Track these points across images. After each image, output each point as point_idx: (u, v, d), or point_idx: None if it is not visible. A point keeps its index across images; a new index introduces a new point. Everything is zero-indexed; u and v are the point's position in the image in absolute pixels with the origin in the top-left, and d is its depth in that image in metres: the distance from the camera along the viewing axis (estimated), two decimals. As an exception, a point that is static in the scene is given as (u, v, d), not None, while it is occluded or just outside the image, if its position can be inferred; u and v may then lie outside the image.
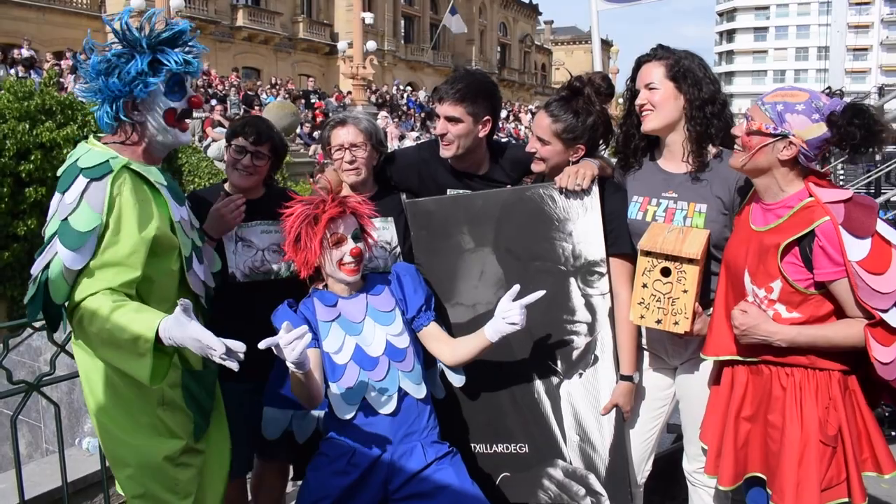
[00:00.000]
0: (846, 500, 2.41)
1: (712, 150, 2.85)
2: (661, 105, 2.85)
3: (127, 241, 2.42)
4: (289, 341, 2.29)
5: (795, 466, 2.41)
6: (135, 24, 2.52)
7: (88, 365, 2.57)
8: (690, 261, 2.61)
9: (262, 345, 2.28)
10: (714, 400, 2.74)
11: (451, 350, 2.86)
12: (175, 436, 2.58)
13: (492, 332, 2.72)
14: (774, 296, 2.45)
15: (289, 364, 2.36)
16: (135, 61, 2.50)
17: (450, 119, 3.08)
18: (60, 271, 2.37)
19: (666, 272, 2.66)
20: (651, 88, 2.85)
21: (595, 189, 2.87)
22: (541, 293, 2.66)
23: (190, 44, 2.61)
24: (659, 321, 2.70)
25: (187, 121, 2.67)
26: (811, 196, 2.40)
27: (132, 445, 2.55)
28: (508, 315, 2.65)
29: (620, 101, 3.30)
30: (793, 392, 2.46)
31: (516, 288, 2.68)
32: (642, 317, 2.73)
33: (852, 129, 2.31)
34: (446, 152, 3.13)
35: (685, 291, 2.64)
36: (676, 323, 2.67)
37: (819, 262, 2.35)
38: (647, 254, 2.68)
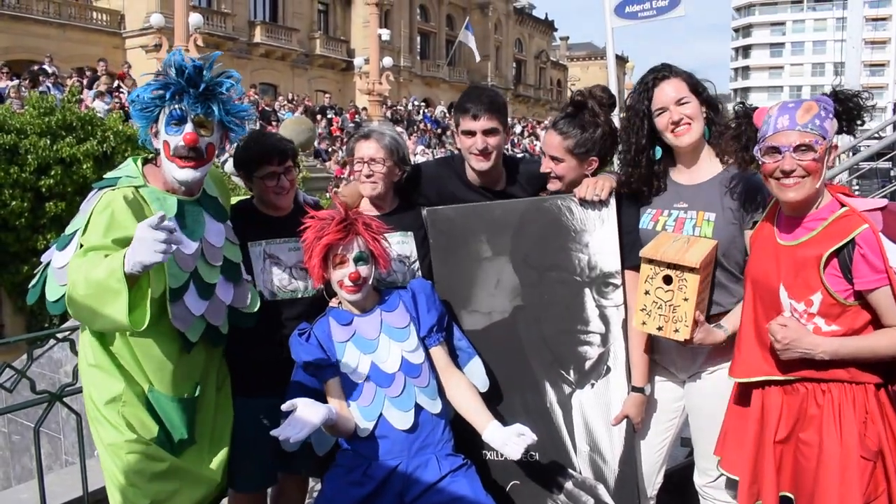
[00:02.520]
0: None
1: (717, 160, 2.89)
2: (697, 117, 2.85)
3: (93, 236, 2.52)
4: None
5: (837, 484, 2.40)
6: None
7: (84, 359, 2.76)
8: (691, 269, 2.63)
9: (284, 407, 2.63)
10: (740, 426, 2.72)
11: (447, 387, 2.93)
12: (132, 428, 2.69)
13: (492, 435, 2.77)
14: (814, 309, 2.45)
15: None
16: (138, 89, 2.70)
17: (488, 132, 3.12)
18: (52, 269, 2.62)
19: (668, 280, 2.68)
20: (684, 103, 2.84)
21: (612, 201, 2.90)
22: (534, 439, 2.70)
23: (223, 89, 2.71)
24: (660, 328, 2.72)
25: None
26: (844, 206, 2.43)
27: (103, 421, 2.69)
28: (512, 448, 2.69)
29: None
30: (830, 409, 2.46)
31: (531, 435, 2.71)
32: (644, 323, 2.76)
33: (851, 110, 2.45)
34: (484, 164, 3.16)
35: (686, 300, 2.66)
36: (677, 330, 2.69)
37: (859, 271, 2.36)
38: (650, 261, 2.71)
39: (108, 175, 2.78)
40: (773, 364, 2.56)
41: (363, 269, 2.80)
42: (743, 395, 2.72)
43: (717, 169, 2.90)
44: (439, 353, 2.94)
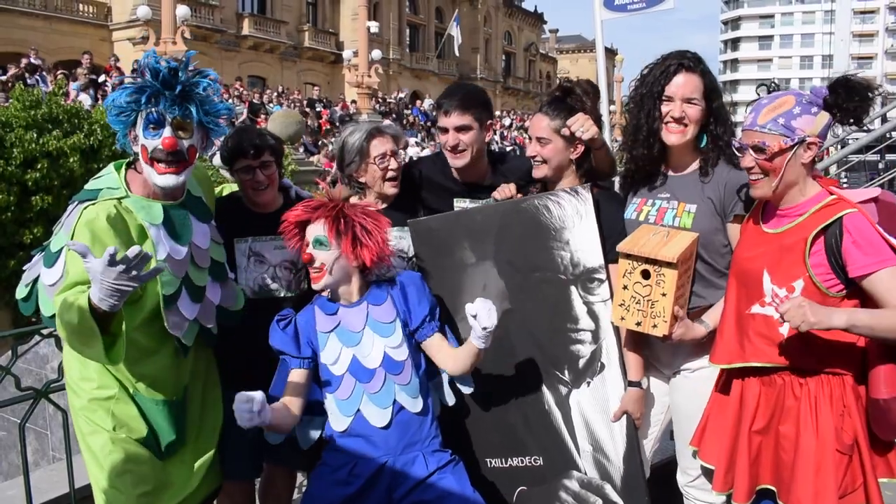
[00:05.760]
0: None
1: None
2: (696, 122, 2.80)
3: (76, 263, 2.40)
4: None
5: (812, 476, 2.41)
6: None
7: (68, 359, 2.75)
8: (669, 264, 2.61)
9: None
10: (718, 416, 2.71)
11: (452, 360, 2.85)
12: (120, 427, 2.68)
13: (475, 338, 2.66)
14: (795, 295, 2.43)
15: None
16: (115, 92, 2.64)
17: (460, 129, 3.13)
18: (42, 287, 2.56)
19: (646, 275, 2.66)
20: (693, 104, 2.79)
21: (588, 196, 2.88)
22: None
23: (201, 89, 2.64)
24: (639, 323, 2.71)
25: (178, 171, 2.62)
26: (832, 195, 2.44)
27: (90, 424, 2.68)
28: (474, 312, 2.58)
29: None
30: (807, 401, 2.46)
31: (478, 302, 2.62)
32: (622, 318, 2.75)
33: (851, 103, 2.42)
34: (460, 161, 3.17)
35: (664, 294, 2.64)
36: (655, 326, 2.67)
37: (852, 258, 2.34)
38: (627, 256, 2.70)
39: (89, 186, 2.67)
40: (751, 351, 2.55)
41: (320, 255, 2.70)
42: (725, 386, 2.72)
43: (698, 162, 2.89)
44: (437, 341, 2.86)
